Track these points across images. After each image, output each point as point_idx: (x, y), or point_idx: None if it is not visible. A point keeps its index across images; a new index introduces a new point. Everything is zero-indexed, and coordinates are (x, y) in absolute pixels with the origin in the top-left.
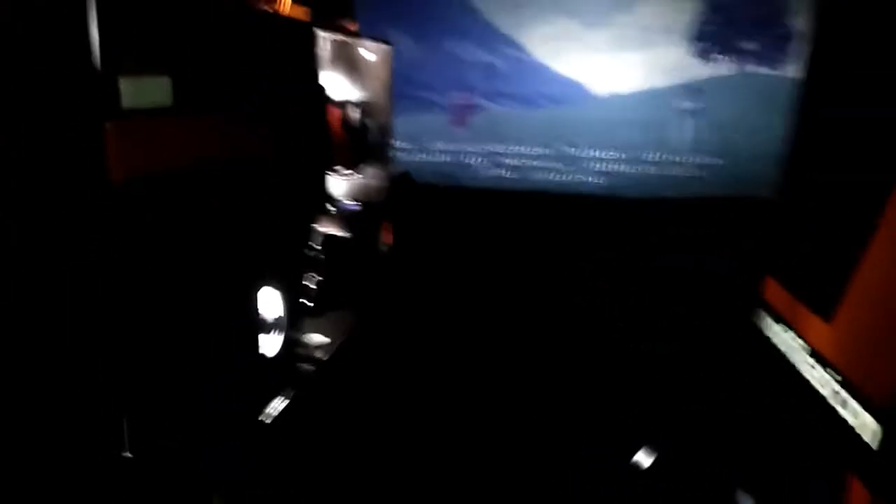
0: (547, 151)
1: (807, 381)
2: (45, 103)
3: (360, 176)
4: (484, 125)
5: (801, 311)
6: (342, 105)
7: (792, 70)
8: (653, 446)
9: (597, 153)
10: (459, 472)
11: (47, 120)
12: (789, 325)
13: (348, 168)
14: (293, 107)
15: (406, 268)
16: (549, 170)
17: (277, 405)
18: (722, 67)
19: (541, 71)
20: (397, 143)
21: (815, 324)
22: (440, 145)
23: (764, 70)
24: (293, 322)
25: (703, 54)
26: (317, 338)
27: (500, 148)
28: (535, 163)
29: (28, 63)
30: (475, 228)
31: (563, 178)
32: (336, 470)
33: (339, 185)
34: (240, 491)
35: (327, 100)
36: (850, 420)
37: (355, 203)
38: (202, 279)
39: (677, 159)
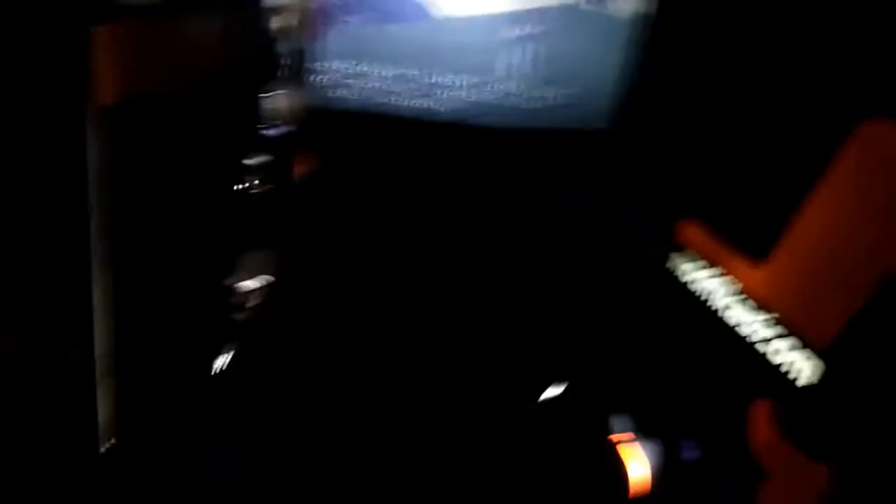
0: (397, 72)
1: (732, 326)
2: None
3: (282, 93)
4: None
5: (727, 254)
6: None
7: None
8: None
9: (449, 78)
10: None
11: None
12: (714, 269)
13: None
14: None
15: (326, 199)
16: (400, 93)
17: (223, 360)
18: None
19: None
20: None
21: (744, 267)
22: None
23: (605, 4)
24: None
25: None
26: (247, 283)
27: (344, 66)
28: (379, 84)
29: None
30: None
31: (415, 102)
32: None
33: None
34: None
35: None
36: (784, 360)
37: (280, 127)
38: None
39: (529, 89)
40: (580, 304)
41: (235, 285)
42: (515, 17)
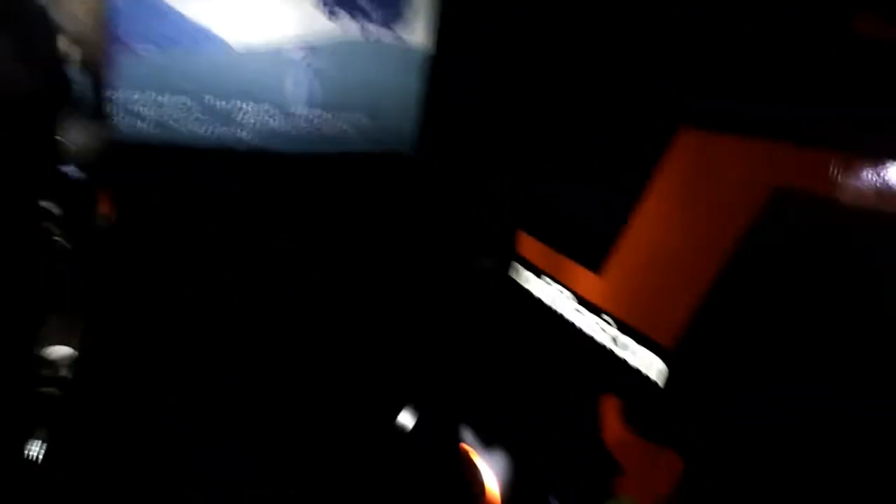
0: (189, 101)
1: (579, 329)
2: None
3: (76, 127)
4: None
5: (565, 264)
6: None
7: (418, 38)
8: (414, 408)
9: (249, 106)
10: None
11: None
12: (553, 279)
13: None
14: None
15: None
16: (198, 121)
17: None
18: (353, 28)
19: (170, 15)
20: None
21: (582, 276)
22: None
23: (392, 36)
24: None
25: (332, 15)
26: (57, 350)
27: (136, 95)
28: (178, 114)
29: None
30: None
31: (213, 131)
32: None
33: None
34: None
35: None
36: (631, 360)
37: (77, 170)
38: None
39: (328, 115)
40: (424, 320)
41: (41, 353)
42: (308, 46)
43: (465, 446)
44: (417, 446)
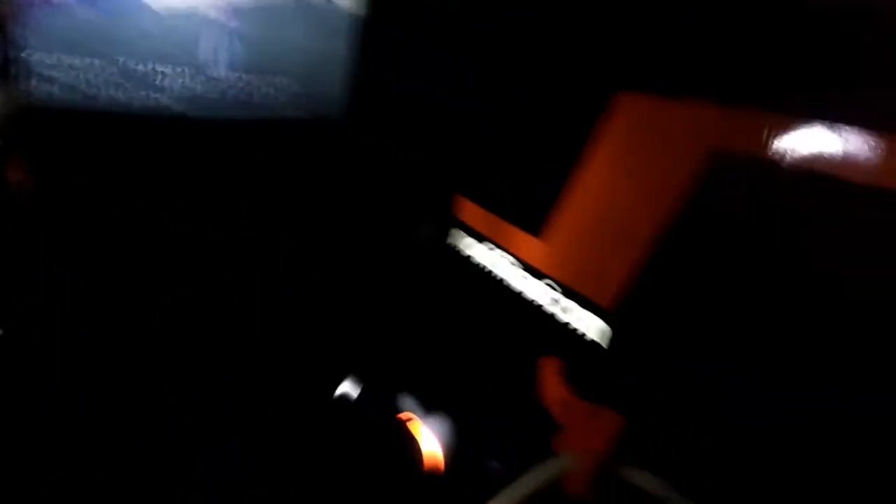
0: (105, 64)
1: (521, 293)
2: None
3: None
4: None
5: (507, 229)
6: None
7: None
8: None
9: (163, 68)
10: None
11: None
12: (495, 244)
13: None
14: None
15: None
16: (116, 86)
17: None
18: None
19: None
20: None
21: (524, 241)
22: None
23: None
24: None
25: None
26: None
27: (47, 58)
28: (93, 77)
29: None
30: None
31: (132, 96)
32: None
33: None
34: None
35: None
36: (573, 323)
37: None
38: None
39: (248, 78)
40: (364, 289)
41: None
42: (229, 6)
43: (407, 414)
44: (360, 415)
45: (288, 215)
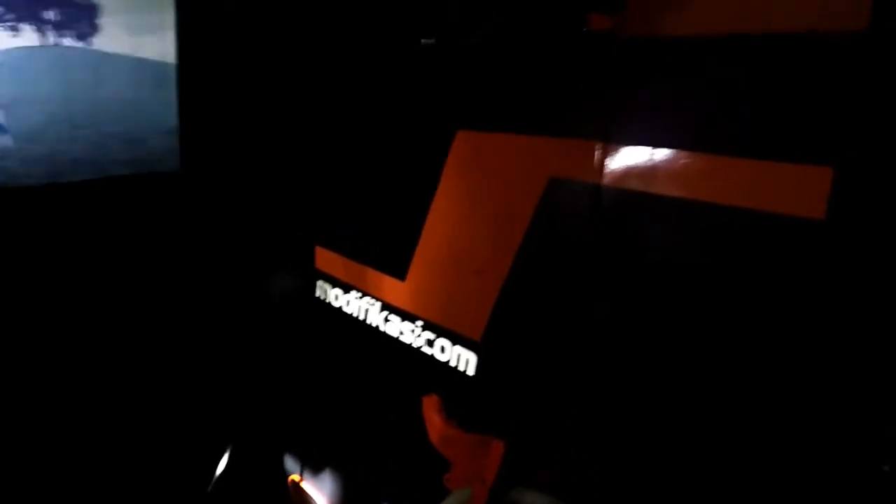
0: None
1: (394, 337)
2: None
3: None
4: None
5: (371, 275)
6: None
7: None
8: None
9: None
10: None
11: None
12: (362, 291)
13: None
14: None
15: None
16: None
17: None
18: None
19: None
20: None
21: (389, 284)
22: None
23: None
24: None
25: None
26: None
27: None
28: None
29: None
30: None
31: None
32: None
33: None
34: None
35: None
36: (446, 359)
37: None
38: None
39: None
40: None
41: None
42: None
43: (292, 477)
44: (242, 485)
45: (139, 278)
